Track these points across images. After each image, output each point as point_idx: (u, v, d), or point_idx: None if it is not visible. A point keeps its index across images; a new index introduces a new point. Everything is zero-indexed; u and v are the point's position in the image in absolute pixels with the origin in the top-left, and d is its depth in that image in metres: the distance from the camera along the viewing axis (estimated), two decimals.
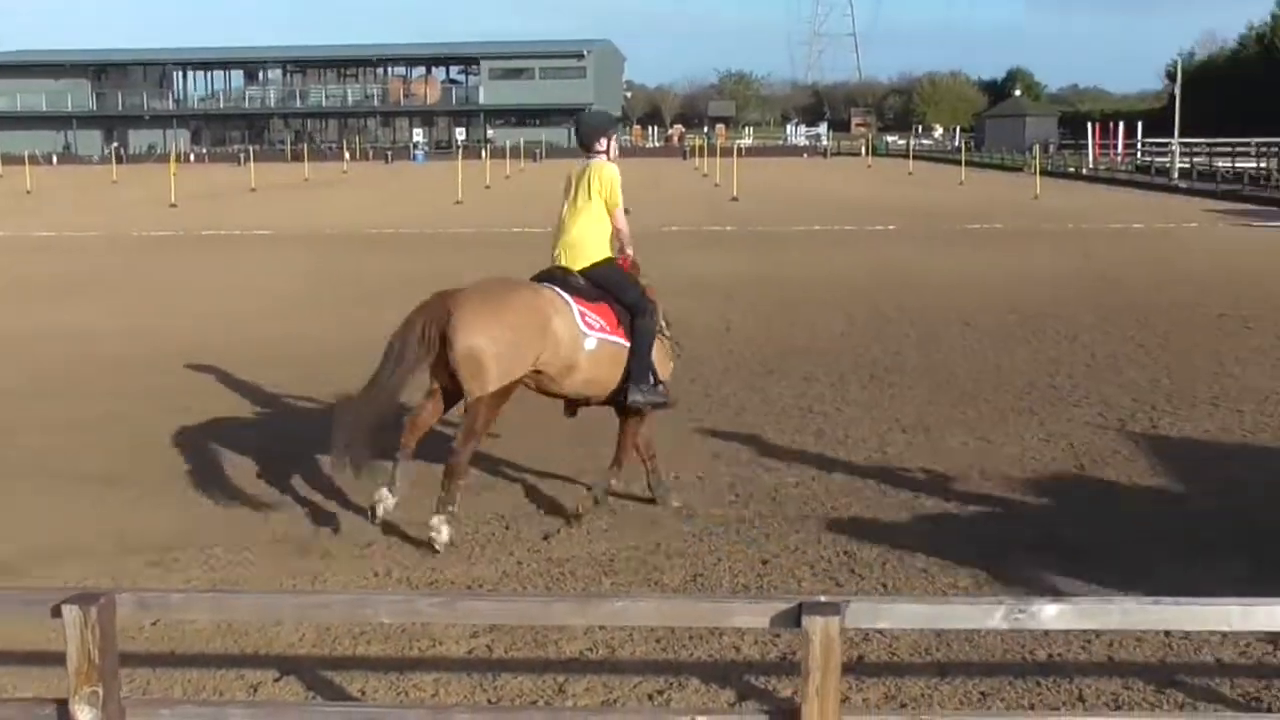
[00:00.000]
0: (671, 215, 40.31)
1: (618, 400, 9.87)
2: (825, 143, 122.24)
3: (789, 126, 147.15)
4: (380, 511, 9.12)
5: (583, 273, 9.79)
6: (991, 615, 4.70)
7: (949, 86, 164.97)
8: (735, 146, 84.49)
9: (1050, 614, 4.69)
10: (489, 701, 6.77)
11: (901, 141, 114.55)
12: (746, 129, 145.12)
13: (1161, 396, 13.97)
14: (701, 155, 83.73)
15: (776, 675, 7.02)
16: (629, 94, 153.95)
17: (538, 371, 9.39)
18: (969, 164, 76.41)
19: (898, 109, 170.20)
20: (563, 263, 9.85)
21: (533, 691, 6.85)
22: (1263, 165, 57.88)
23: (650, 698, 6.79)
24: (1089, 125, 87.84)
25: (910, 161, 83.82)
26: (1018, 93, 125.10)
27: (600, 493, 10.15)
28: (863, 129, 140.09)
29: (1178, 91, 70.85)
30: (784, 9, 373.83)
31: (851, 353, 16.67)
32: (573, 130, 11.00)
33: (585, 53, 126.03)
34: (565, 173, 10.24)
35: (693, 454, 11.70)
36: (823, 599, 4.69)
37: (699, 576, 8.67)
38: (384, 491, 9.11)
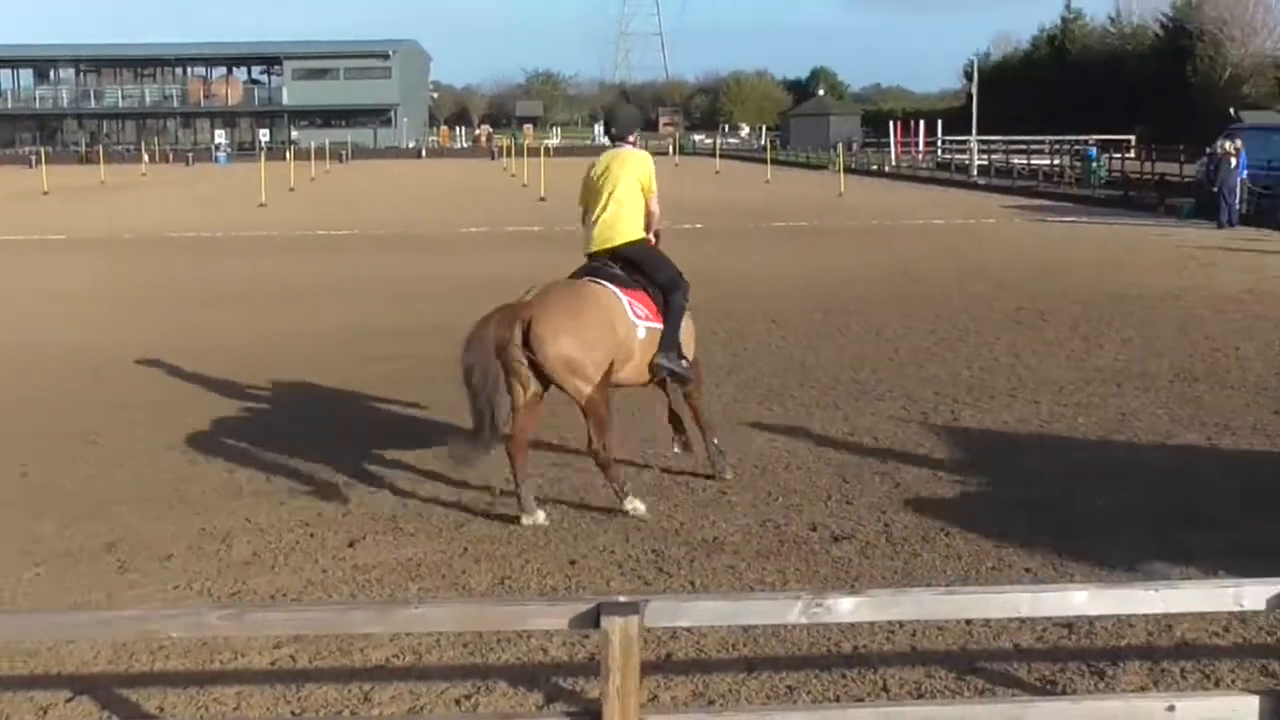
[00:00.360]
0: (477, 217, 40.21)
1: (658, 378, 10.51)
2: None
3: (597, 126, 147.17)
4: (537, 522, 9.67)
5: (618, 249, 10.35)
6: (790, 610, 4.72)
7: (754, 86, 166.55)
8: (543, 146, 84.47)
9: (847, 607, 4.73)
10: (292, 713, 6.65)
11: (709, 140, 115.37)
12: (555, 129, 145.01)
13: (962, 389, 14.24)
14: (510, 156, 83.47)
15: (585, 676, 6.98)
16: (435, 94, 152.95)
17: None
18: (775, 162, 77.32)
19: (705, 108, 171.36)
20: (599, 244, 10.47)
21: (338, 701, 6.74)
22: (1056, 162, 59.52)
23: (458, 703, 6.72)
24: (891, 124, 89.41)
25: (717, 160, 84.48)
26: (822, 92, 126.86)
27: (723, 464, 10.84)
28: (670, 128, 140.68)
29: (974, 91, 72.30)
30: (590, 8, 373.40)
31: None
32: (607, 121, 11.99)
33: (390, 53, 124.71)
34: (592, 161, 10.88)
35: (500, 457, 11.59)
36: (621, 599, 4.67)
37: (507, 579, 8.61)
38: (539, 515, 9.73)
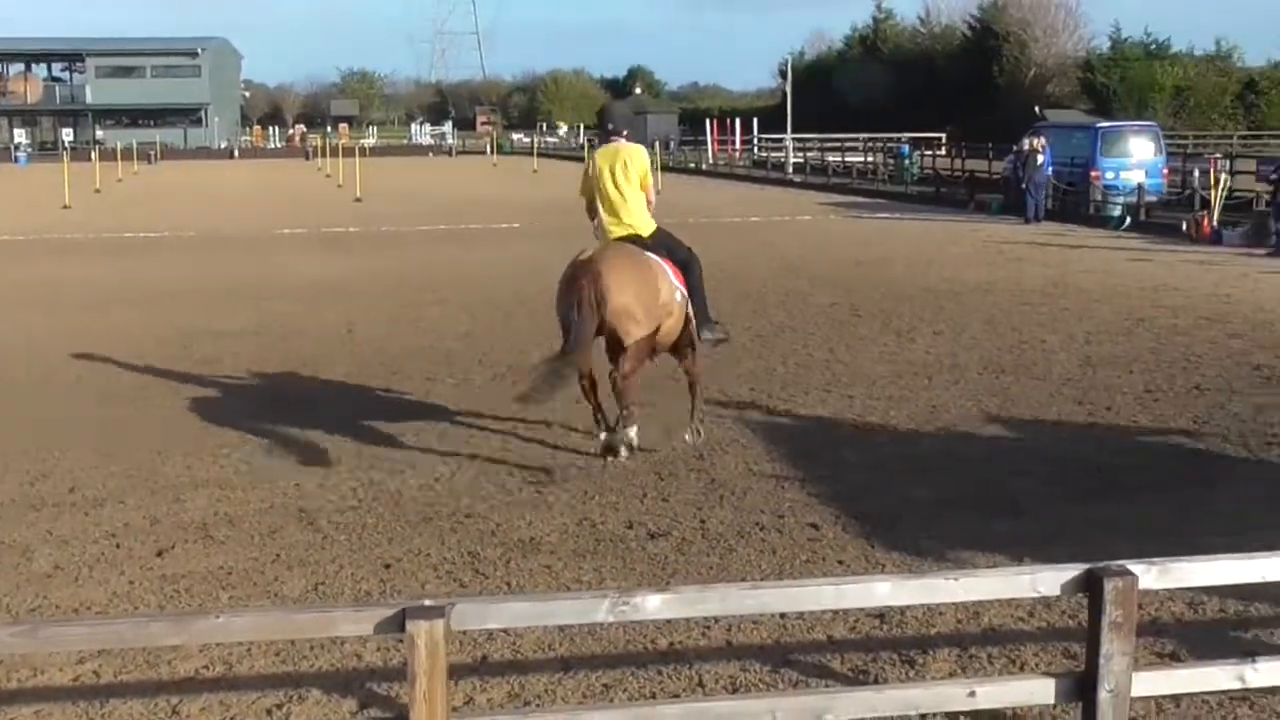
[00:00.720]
0: (290, 218, 39.71)
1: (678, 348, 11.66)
2: (451, 141, 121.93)
3: (414, 125, 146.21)
4: (627, 450, 11.12)
5: (646, 240, 11.41)
6: (597, 609, 4.71)
7: (572, 84, 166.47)
8: (359, 146, 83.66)
9: (654, 604, 4.74)
10: None
11: (527, 139, 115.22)
12: (371, 128, 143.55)
13: (778, 384, 14.38)
14: (325, 156, 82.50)
15: (399, 681, 6.89)
16: (247, 93, 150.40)
17: None
18: None
19: (523, 107, 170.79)
20: (620, 234, 11.42)
21: (144, 715, 6.58)
22: (870, 160, 60.39)
23: (269, 713, 6.60)
24: (708, 122, 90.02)
25: (535, 159, 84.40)
26: (639, 90, 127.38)
27: (697, 430, 11.74)
28: (488, 127, 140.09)
29: (789, 89, 73.13)
30: (406, 7, 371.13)
31: (475, 351, 16.64)
32: (606, 118, 12.68)
33: (200, 50, 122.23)
34: (590, 156, 11.85)
35: (314, 460, 11.48)
36: (427, 603, 4.62)
37: (320, 585, 8.49)
38: (630, 433, 11.13)
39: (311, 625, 4.85)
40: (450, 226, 36.46)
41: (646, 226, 11.53)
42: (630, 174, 11.45)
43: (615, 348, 11.01)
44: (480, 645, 7.34)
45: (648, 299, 10.86)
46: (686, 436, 11.72)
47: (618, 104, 12.22)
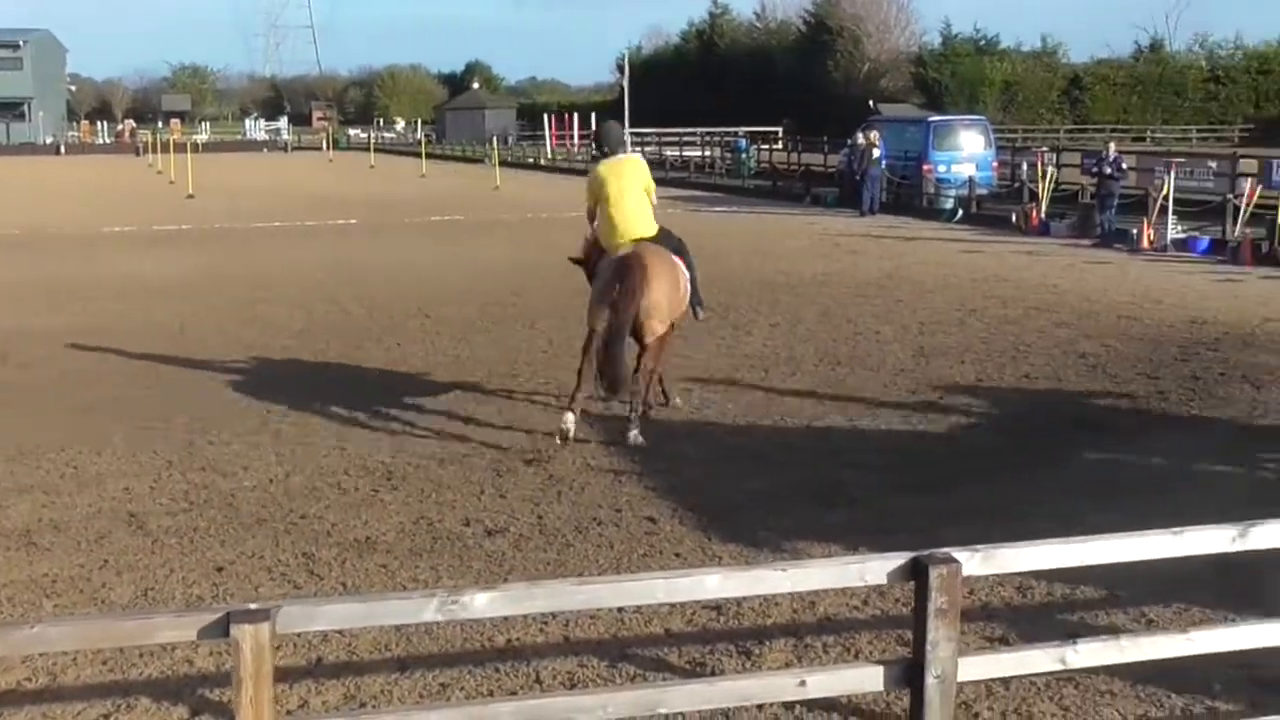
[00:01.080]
0: (120, 215, 38.91)
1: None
2: (286, 137, 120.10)
3: (248, 121, 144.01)
4: (569, 428, 11.59)
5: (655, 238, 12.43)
6: (425, 608, 4.68)
7: (409, 79, 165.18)
8: (192, 142, 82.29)
9: (482, 602, 4.71)
10: None
11: (364, 135, 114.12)
12: (204, 124, 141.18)
13: None
14: (156, 152, 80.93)
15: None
16: (74, 87, 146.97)
17: None
18: (431, 156, 76.96)
19: (359, 102, 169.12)
20: (627, 236, 12.26)
21: None
22: (707, 154, 60.70)
23: None
24: (546, 117, 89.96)
25: (372, 155, 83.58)
26: (476, 85, 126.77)
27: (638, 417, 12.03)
28: (324, 123, 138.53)
29: (626, 84, 73.31)
30: (239, 1, 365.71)
31: (310, 349, 16.44)
32: (598, 142, 13.78)
33: (21, 43, 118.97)
34: (594, 170, 12.87)
35: (144, 463, 11.26)
36: (252, 607, 4.55)
37: (150, 591, 8.32)
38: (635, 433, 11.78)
39: (133, 632, 4.73)
40: (285, 223, 35.98)
41: (650, 228, 12.43)
42: (634, 181, 12.50)
43: (637, 339, 12.03)
44: (315, 647, 7.26)
45: (675, 300, 12.18)
46: (632, 436, 11.80)
47: (610, 128, 13.61)
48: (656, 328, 11.95)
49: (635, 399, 11.99)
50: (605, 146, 13.20)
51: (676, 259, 12.37)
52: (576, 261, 13.68)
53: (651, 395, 12.80)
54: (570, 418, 11.55)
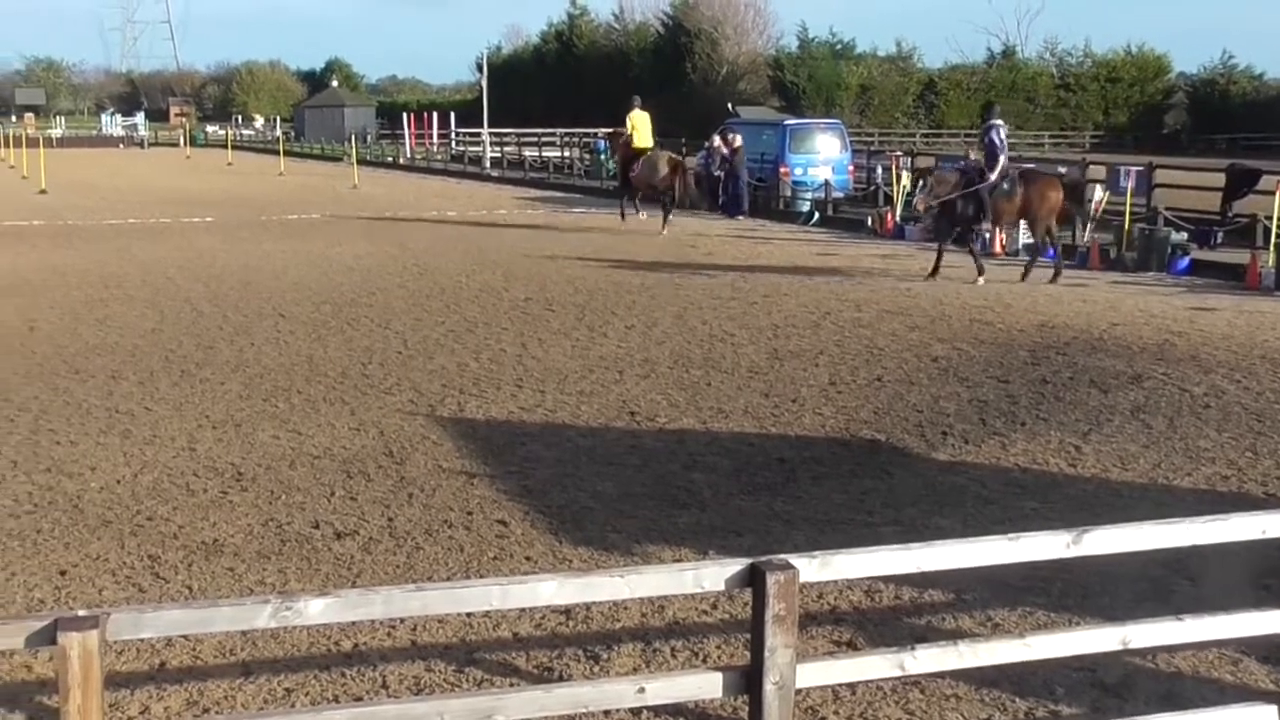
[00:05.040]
0: None
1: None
2: (143, 133, 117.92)
3: (104, 116, 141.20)
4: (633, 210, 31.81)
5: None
6: (259, 615, 4.65)
7: (268, 76, 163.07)
8: (45, 137, 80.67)
9: (317, 608, 4.69)
10: None
11: (222, 132, 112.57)
12: (58, 118, 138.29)
13: (469, 380, 14.37)
14: (8, 146, 79.19)
15: None
16: None
17: None
18: (289, 154, 76.03)
19: (217, 99, 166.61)
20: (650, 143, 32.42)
21: None
22: (566, 155, 60.63)
23: None
24: (405, 116, 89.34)
25: (230, 152, 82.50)
26: (336, 84, 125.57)
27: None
28: (182, 119, 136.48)
29: (484, 84, 72.99)
30: None
31: (162, 349, 16.21)
32: (634, 103, 32.82)
33: None
34: (634, 115, 32.48)
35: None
36: (80, 613, 4.49)
37: None
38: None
39: None
40: (140, 220, 35.40)
41: (651, 143, 32.67)
42: (647, 122, 32.43)
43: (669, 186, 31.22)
44: (159, 652, 7.20)
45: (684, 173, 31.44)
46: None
47: (635, 98, 33.14)
48: (678, 179, 30.84)
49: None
50: (633, 109, 32.58)
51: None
52: (615, 137, 34.97)
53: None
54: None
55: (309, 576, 8.51)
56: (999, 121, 23.04)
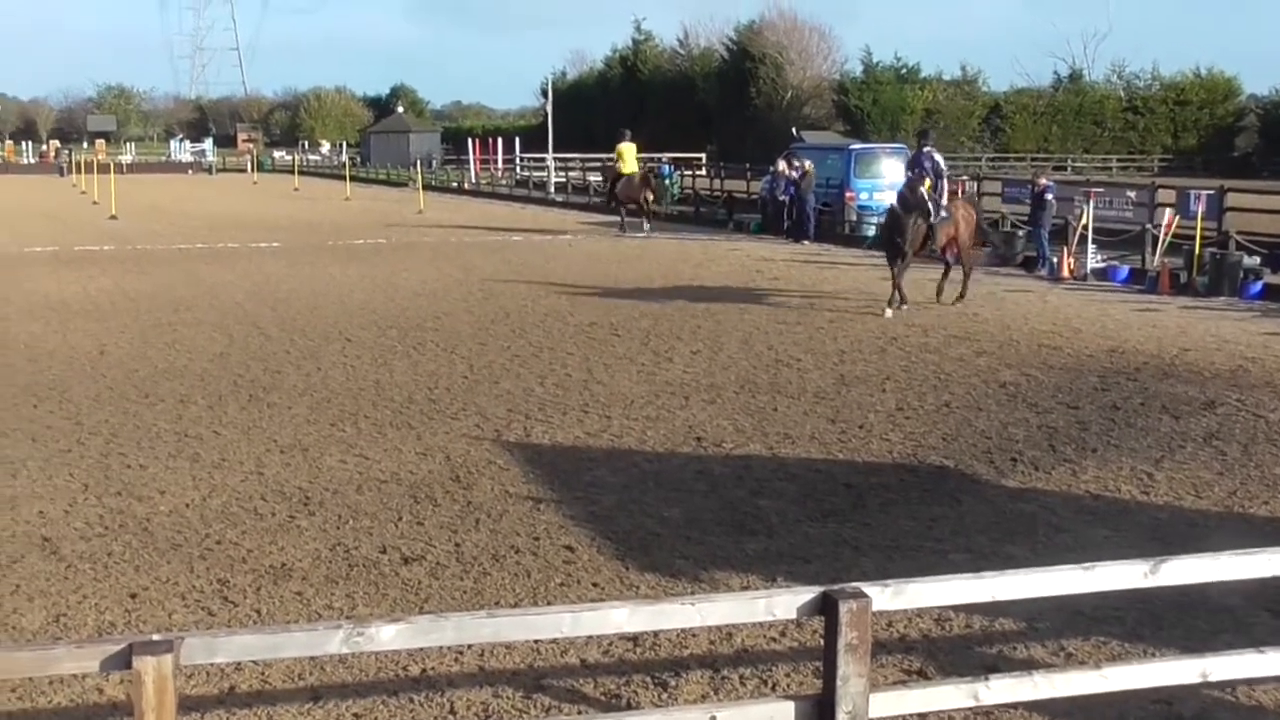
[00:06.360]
0: (40, 235, 38.55)
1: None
2: (210, 159, 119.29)
3: (173, 142, 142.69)
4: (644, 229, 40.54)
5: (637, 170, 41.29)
6: (330, 640, 4.63)
7: (334, 102, 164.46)
8: (116, 163, 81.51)
9: (388, 634, 4.67)
10: None
11: (289, 157, 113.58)
12: (129, 145, 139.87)
13: (535, 405, 14.36)
14: (80, 172, 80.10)
15: None
16: None
17: None
18: (355, 179, 76.58)
19: (284, 125, 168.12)
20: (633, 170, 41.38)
21: None
22: None
23: None
24: (470, 141, 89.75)
25: (296, 177, 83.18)
26: (401, 109, 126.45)
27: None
28: (249, 144, 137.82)
29: (549, 109, 73.19)
30: (164, 22, 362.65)
31: (230, 373, 16.30)
32: (621, 136, 41.57)
33: None
34: (621, 146, 41.04)
35: (59, 486, 11.12)
36: (155, 638, 4.49)
37: (62, 617, 8.23)
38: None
39: (32, 664, 4.65)
40: (208, 245, 35.71)
41: (635, 168, 41.38)
42: (632, 151, 41.30)
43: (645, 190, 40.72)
44: (228, 676, 7.20)
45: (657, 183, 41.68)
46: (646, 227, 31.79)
47: (624, 131, 41.88)
48: (650, 190, 40.60)
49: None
50: (622, 140, 40.67)
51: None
52: (610, 170, 43.42)
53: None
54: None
55: (376, 601, 8.50)
56: (932, 147, 22.98)
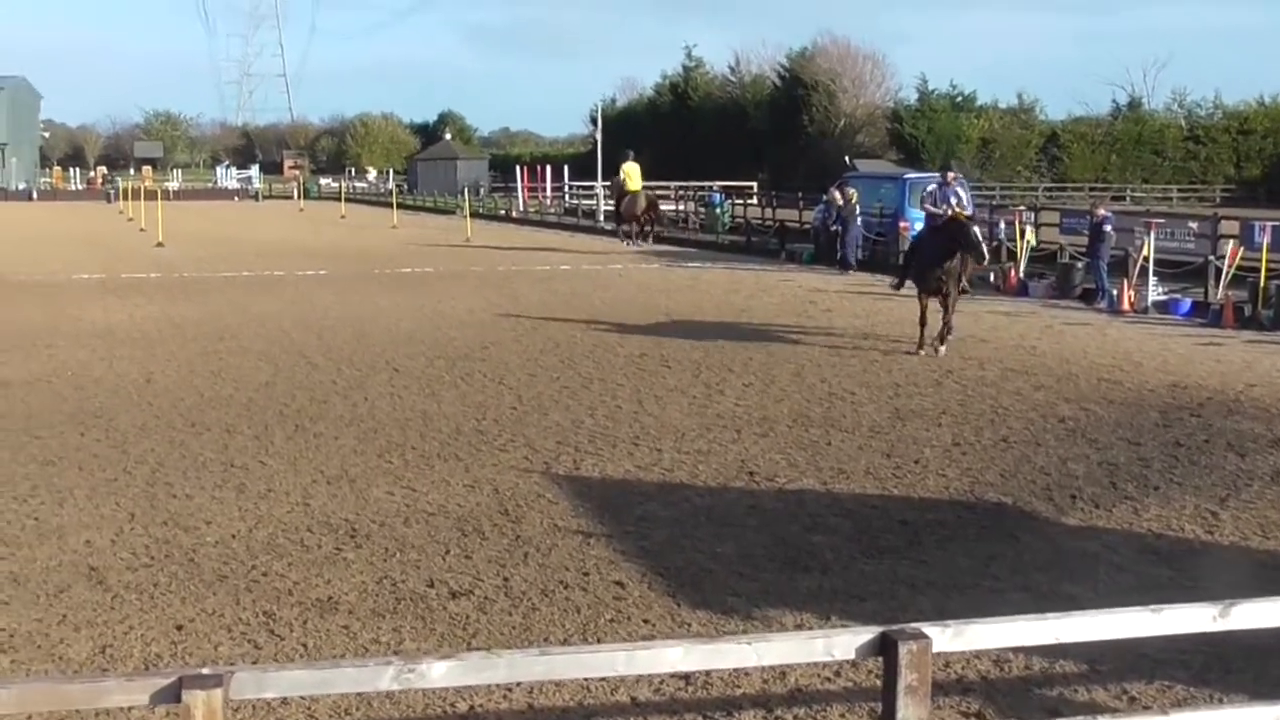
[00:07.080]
0: (87, 262, 38.72)
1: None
2: (257, 185, 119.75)
3: (220, 169, 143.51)
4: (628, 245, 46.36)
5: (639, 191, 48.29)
6: (381, 676, 4.52)
7: (381, 128, 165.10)
8: (163, 189, 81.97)
9: (439, 671, 4.56)
10: None
11: (335, 184, 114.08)
12: (175, 171, 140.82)
13: (585, 437, 14.22)
14: (127, 199, 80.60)
15: None
16: (47, 133, 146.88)
17: None
18: (402, 207, 76.76)
19: (331, 151, 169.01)
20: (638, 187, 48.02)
21: None
22: (681, 208, 60.56)
23: None
24: (518, 168, 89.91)
25: (343, 205, 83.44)
26: (449, 136, 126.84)
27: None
28: (296, 171, 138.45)
29: (599, 136, 73.20)
30: (212, 48, 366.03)
31: (276, 402, 16.22)
32: (625, 158, 47.11)
33: None
34: (626, 166, 46.88)
35: (106, 515, 11.05)
36: (205, 671, 4.38)
37: (108, 649, 8.14)
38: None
39: (81, 696, 4.54)
40: (254, 273, 35.76)
41: (639, 186, 47.33)
42: (637, 171, 46.59)
43: (649, 211, 48.31)
44: (274, 710, 7.10)
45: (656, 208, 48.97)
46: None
47: (628, 152, 46.72)
48: (652, 213, 47.99)
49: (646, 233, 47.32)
50: (627, 160, 46.26)
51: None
52: (616, 189, 48.66)
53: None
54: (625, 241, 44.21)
55: (424, 636, 8.37)
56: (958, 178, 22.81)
